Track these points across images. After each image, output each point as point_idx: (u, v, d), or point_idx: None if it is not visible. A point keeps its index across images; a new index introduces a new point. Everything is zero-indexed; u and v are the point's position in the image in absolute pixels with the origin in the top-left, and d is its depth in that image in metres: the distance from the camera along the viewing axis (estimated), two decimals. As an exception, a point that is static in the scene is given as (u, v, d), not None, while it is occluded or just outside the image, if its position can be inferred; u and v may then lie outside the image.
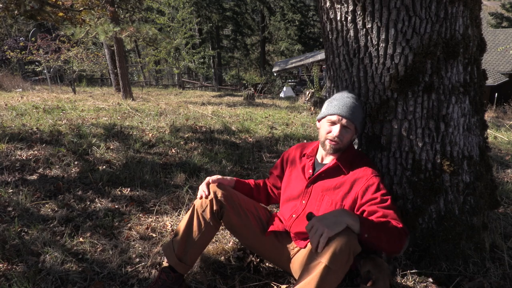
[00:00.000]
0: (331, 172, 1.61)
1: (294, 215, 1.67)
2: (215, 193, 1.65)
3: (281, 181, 1.85)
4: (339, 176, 1.59)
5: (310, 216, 1.38)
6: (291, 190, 1.73)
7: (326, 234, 1.26)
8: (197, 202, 1.67)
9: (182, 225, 1.67)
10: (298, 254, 1.61)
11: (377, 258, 1.41)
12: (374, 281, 1.30)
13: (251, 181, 1.93)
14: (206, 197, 1.65)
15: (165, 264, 1.74)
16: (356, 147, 1.86)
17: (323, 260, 1.26)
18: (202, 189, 1.69)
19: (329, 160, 1.66)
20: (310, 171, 1.69)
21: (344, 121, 1.57)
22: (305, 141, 4.23)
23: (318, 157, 1.71)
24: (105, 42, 10.34)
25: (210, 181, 1.71)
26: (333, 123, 1.59)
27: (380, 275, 1.32)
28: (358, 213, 1.50)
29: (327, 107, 1.64)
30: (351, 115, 1.57)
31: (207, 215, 1.64)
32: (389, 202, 1.46)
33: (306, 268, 1.32)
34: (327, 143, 1.60)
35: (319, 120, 1.68)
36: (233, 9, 30.00)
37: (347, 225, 1.29)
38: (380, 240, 1.35)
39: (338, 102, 1.61)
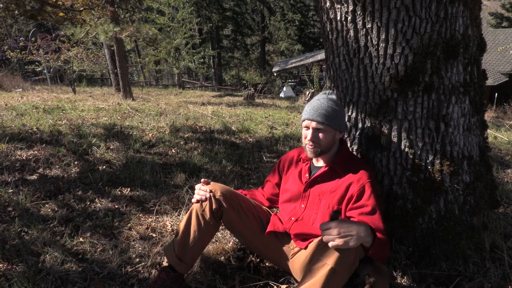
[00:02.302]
0: (327, 176, 1.61)
1: (293, 218, 1.67)
2: (213, 192, 1.66)
3: (280, 188, 1.85)
4: (335, 179, 1.59)
5: (335, 216, 1.33)
6: (290, 194, 1.73)
7: (351, 243, 1.26)
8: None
9: (182, 225, 1.67)
10: (299, 254, 1.61)
11: (376, 261, 1.42)
12: (372, 284, 1.30)
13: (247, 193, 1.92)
14: (206, 199, 1.65)
15: (165, 264, 1.75)
16: (356, 147, 1.86)
17: (329, 262, 1.28)
18: (198, 192, 1.69)
19: (322, 163, 1.66)
20: (307, 175, 1.68)
21: (314, 124, 1.56)
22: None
23: (314, 161, 1.71)
24: (105, 42, 10.35)
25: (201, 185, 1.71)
26: (307, 127, 1.59)
27: (379, 278, 1.32)
28: (347, 214, 1.52)
29: (304, 111, 1.64)
30: (321, 116, 1.55)
31: (207, 214, 1.64)
32: (378, 214, 1.47)
33: (310, 269, 1.33)
34: (307, 147, 1.61)
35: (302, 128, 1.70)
36: (233, 9, 29.99)
37: (363, 242, 1.31)
38: (375, 254, 1.40)
39: (308, 107, 1.61)
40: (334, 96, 1.65)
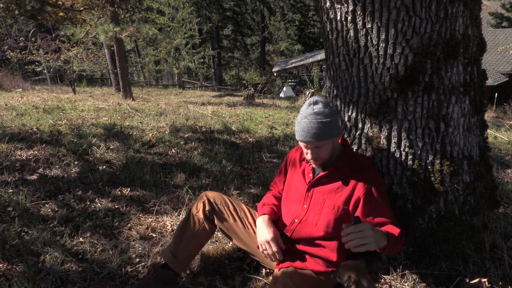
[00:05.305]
0: (332, 176, 1.60)
1: (296, 220, 1.65)
2: (208, 197, 1.74)
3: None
4: (340, 179, 1.58)
5: (356, 221, 1.35)
6: (292, 194, 1.72)
7: (369, 246, 1.30)
8: (192, 204, 1.76)
9: (179, 225, 1.76)
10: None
11: (347, 263, 1.41)
12: (357, 283, 1.30)
13: (273, 204, 1.80)
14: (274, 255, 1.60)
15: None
16: (356, 147, 1.86)
17: None
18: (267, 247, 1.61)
19: None
20: (310, 175, 1.67)
21: (310, 145, 1.52)
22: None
23: None
24: (105, 42, 10.34)
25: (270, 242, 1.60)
26: (305, 147, 1.56)
27: (360, 275, 1.32)
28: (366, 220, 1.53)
29: (295, 129, 1.57)
30: (313, 137, 1.48)
31: (200, 215, 1.71)
32: (390, 213, 1.53)
33: None
34: (311, 162, 1.62)
35: None
36: (233, 9, 29.99)
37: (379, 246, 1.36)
38: (389, 251, 1.44)
39: (298, 127, 1.52)
40: (320, 106, 1.52)
